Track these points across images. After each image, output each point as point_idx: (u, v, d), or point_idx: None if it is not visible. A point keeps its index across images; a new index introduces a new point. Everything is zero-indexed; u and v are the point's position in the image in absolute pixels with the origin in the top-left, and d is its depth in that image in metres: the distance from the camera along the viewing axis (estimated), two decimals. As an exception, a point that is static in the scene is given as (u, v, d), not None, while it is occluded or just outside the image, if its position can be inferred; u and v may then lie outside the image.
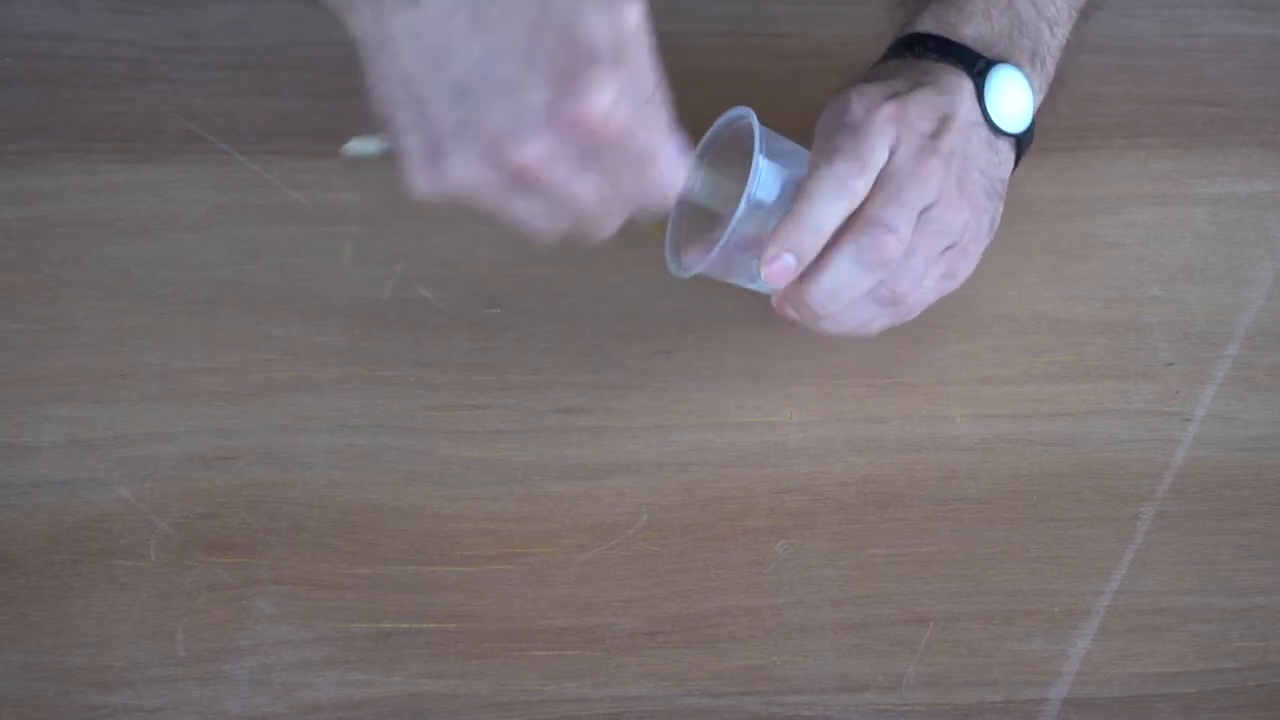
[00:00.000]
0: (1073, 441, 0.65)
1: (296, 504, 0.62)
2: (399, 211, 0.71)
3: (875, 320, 0.62)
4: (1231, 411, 0.66)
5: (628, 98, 0.48)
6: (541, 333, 0.68)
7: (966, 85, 0.61)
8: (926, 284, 0.60)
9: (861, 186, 0.57)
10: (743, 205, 0.56)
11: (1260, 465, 0.65)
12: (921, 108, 0.59)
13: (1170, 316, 0.69)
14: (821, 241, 0.57)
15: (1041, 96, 0.64)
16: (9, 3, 0.78)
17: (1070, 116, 0.63)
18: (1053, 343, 0.68)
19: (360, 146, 0.56)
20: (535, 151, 0.48)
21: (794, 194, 0.57)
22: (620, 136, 0.49)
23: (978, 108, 0.61)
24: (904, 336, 0.64)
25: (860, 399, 0.66)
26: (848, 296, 0.59)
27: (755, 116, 0.57)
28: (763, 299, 0.63)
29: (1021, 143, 0.63)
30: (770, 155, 0.58)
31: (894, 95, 0.59)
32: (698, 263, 0.59)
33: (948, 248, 0.60)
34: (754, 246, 0.58)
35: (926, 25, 0.63)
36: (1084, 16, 0.67)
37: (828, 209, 0.57)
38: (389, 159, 0.52)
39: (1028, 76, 0.62)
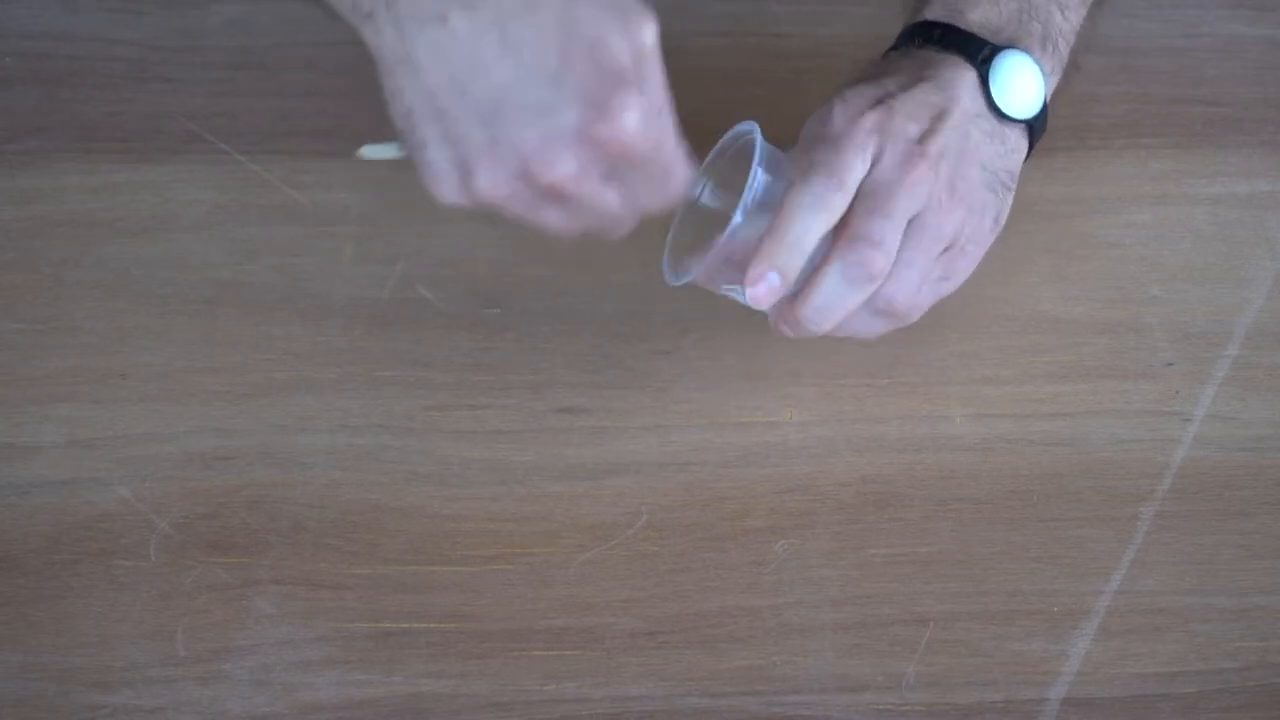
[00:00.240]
0: (1073, 441, 0.65)
1: (296, 504, 0.62)
2: (399, 211, 0.71)
3: (874, 327, 0.62)
4: (1231, 411, 0.66)
5: (651, 115, 0.51)
6: (541, 333, 0.68)
7: (968, 76, 0.60)
8: (923, 290, 0.60)
9: (839, 201, 0.57)
10: (737, 216, 0.56)
11: (1260, 465, 0.65)
12: (910, 109, 0.59)
13: (1170, 316, 0.69)
14: (803, 258, 0.57)
15: (1055, 80, 0.63)
16: (9, 3, 0.78)
17: (1070, 116, 0.63)
18: (1053, 343, 0.68)
19: (376, 151, 0.57)
20: (566, 170, 0.51)
21: None
22: (646, 153, 0.51)
23: (980, 98, 0.60)
24: (904, 336, 0.63)
25: (860, 399, 0.66)
26: (840, 313, 0.59)
27: (760, 131, 0.57)
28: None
29: (1034, 129, 0.62)
30: (774, 171, 0.57)
31: (880, 101, 0.59)
32: (689, 272, 0.59)
33: (944, 250, 0.60)
34: (746, 259, 0.58)
35: (934, 13, 0.63)
36: (1098, 2, 0.67)
37: (805, 226, 0.57)
38: (405, 164, 0.53)
39: (1037, 60, 0.61)
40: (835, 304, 0.58)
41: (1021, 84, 0.61)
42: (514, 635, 0.59)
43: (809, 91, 0.65)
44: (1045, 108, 0.62)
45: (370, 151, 0.58)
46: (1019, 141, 0.62)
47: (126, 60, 0.77)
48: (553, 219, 0.54)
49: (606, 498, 0.63)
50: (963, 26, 0.62)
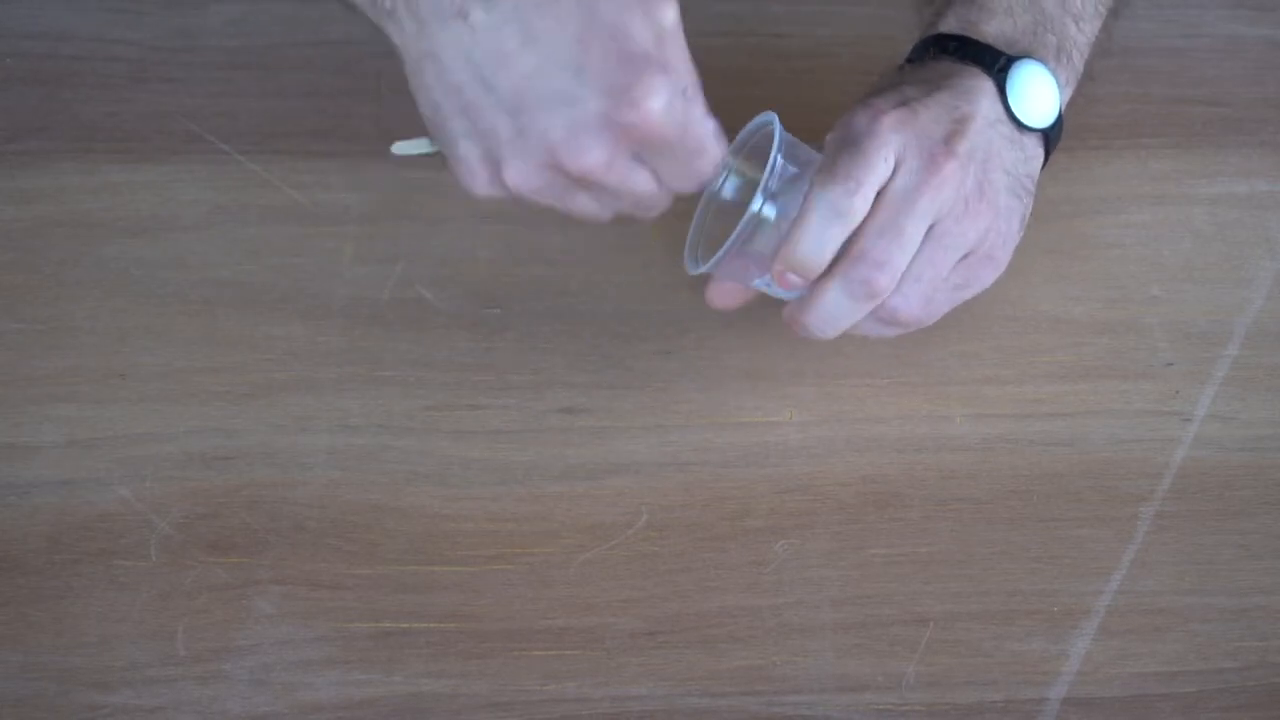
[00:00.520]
0: (1073, 441, 0.65)
1: (296, 504, 0.62)
2: (399, 211, 0.71)
3: (885, 332, 0.62)
4: (1231, 411, 0.66)
5: (677, 97, 0.50)
6: (541, 333, 0.68)
7: (986, 85, 0.60)
8: (935, 300, 0.60)
9: (859, 205, 0.57)
10: (757, 200, 0.56)
11: (1260, 465, 0.65)
12: (934, 111, 0.59)
13: (1170, 316, 0.69)
14: (822, 264, 0.57)
15: (1070, 91, 0.63)
16: (9, 3, 0.78)
17: (1070, 116, 0.63)
18: (1053, 343, 0.68)
19: (408, 148, 0.57)
20: (595, 158, 0.51)
21: None
22: (674, 135, 0.51)
23: (999, 106, 0.60)
24: (904, 336, 0.63)
25: (860, 399, 0.66)
26: (844, 323, 0.59)
27: (779, 121, 0.57)
28: (762, 298, 0.63)
29: (1050, 139, 0.62)
30: (794, 160, 0.57)
31: (903, 103, 0.59)
32: (709, 260, 0.59)
33: (963, 258, 0.60)
34: (770, 253, 0.58)
35: (949, 25, 0.63)
36: (1114, 14, 0.67)
37: (822, 233, 0.57)
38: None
39: (1052, 71, 0.61)
40: (838, 315, 0.59)
41: (1037, 94, 0.61)
42: (514, 635, 0.59)
43: (809, 91, 0.65)
44: (1060, 118, 0.62)
45: (401, 148, 0.58)
46: (1035, 150, 0.62)
47: (126, 60, 0.77)
48: (585, 206, 0.54)
49: (606, 498, 0.63)
50: (978, 38, 0.62)
